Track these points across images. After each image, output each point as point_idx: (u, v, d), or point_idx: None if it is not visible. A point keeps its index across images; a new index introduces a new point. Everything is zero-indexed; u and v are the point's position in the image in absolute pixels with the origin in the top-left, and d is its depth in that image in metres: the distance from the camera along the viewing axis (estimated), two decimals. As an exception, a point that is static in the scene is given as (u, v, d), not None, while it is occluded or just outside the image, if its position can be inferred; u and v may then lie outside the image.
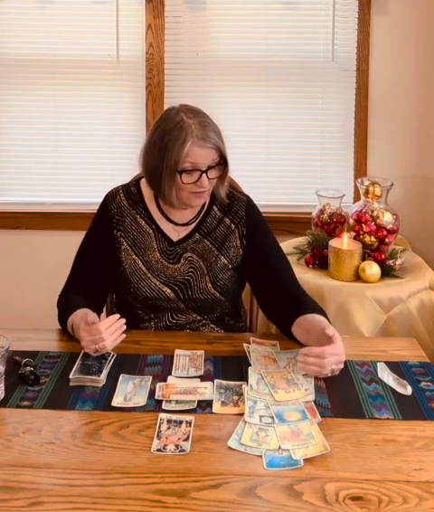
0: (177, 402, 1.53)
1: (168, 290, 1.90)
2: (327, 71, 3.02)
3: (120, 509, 1.21)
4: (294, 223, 3.00)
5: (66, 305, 1.87)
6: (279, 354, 1.74)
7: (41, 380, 1.62)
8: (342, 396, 1.57)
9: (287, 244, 2.76)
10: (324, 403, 1.54)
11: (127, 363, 1.70)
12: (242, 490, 1.26)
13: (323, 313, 1.80)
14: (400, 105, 3.00)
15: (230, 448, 1.38)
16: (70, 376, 1.61)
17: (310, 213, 2.78)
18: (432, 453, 1.38)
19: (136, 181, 1.99)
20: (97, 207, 1.98)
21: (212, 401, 1.54)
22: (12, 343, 1.55)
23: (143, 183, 1.94)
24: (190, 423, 1.45)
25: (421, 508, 1.22)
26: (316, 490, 1.26)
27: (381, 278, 2.53)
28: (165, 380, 1.63)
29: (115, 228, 1.93)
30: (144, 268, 1.91)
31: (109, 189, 1.98)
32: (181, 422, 1.46)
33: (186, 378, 1.64)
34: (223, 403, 1.53)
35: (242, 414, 1.48)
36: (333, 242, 2.55)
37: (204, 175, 1.78)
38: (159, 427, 1.44)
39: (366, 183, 2.64)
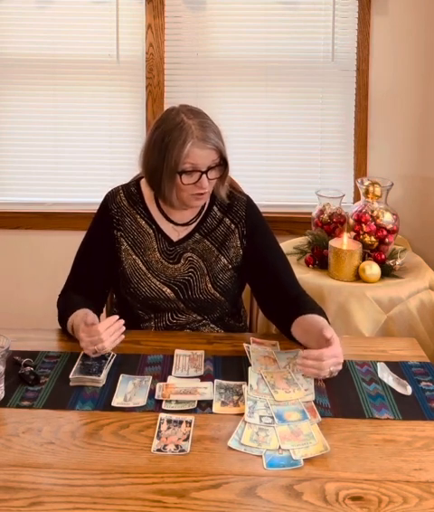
0: (177, 402, 1.53)
1: (168, 290, 1.90)
2: (327, 71, 3.02)
3: (120, 509, 1.21)
4: (294, 223, 3.00)
5: (66, 305, 1.87)
6: (279, 354, 1.74)
7: (41, 380, 1.62)
8: (342, 396, 1.57)
9: (287, 244, 2.76)
10: (324, 403, 1.54)
11: (127, 363, 1.70)
12: (242, 490, 1.26)
13: (322, 313, 1.80)
14: (400, 105, 3.00)
15: (230, 448, 1.38)
16: (70, 376, 1.61)
17: (310, 213, 2.78)
18: (432, 453, 1.38)
19: (136, 181, 1.99)
20: (97, 207, 1.98)
21: (212, 401, 1.54)
22: (12, 343, 1.55)
23: (143, 183, 1.94)
24: (190, 423, 1.45)
25: (421, 508, 1.22)
26: (316, 490, 1.26)
27: (381, 278, 2.53)
28: (165, 380, 1.63)
29: (115, 228, 1.93)
30: (144, 268, 1.91)
31: (109, 189, 1.98)
32: (181, 422, 1.46)
33: (186, 378, 1.64)
34: (223, 403, 1.53)
35: (242, 414, 1.48)
36: (333, 242, 2.55)
37: (204, 175, 1.78)
38: (159, 427, 1.44)
39: (366, 183, 2.63)
